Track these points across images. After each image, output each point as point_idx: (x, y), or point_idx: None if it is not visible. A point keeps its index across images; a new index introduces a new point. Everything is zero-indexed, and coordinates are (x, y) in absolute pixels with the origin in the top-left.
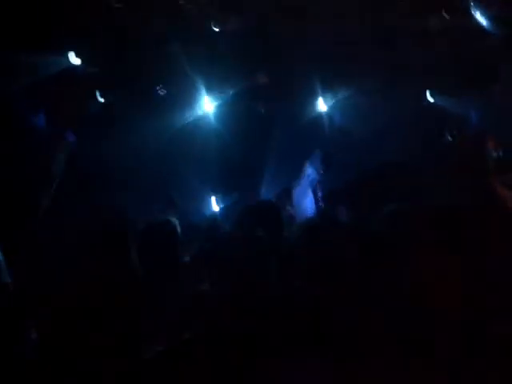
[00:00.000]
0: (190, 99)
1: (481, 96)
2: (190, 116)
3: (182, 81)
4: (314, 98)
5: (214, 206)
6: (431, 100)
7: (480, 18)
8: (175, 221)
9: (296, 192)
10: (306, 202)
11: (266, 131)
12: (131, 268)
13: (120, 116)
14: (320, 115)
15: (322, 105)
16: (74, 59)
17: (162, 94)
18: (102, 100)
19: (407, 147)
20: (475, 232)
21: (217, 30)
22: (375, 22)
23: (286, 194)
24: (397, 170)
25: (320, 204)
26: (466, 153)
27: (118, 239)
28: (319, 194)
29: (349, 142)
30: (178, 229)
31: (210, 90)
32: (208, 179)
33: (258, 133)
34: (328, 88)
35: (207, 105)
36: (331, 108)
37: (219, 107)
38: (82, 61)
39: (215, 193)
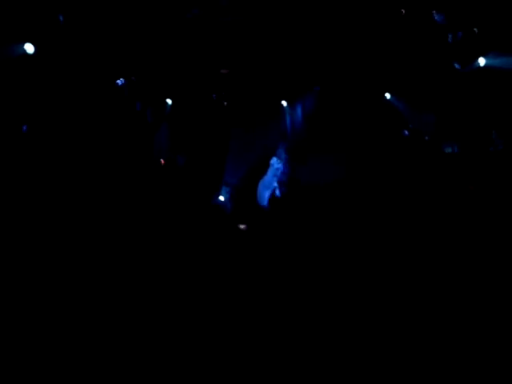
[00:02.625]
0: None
1: (435, 96)
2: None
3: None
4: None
5: None
6: (389, 98)
7: (440, 17)
8: None
9: (261, 183)
10: (268, 192)
11: (227, 122)
12: None
13: None
14: (284, 107)
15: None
16: (29, 47)
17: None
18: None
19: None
20: None
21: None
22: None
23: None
24: None
25: (283, 190)
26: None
27: None
28: (283, 182)
29: (311, 133)
30: None
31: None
32: None
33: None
34: (295, 81)
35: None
36: (295, 100)
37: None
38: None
39: None
